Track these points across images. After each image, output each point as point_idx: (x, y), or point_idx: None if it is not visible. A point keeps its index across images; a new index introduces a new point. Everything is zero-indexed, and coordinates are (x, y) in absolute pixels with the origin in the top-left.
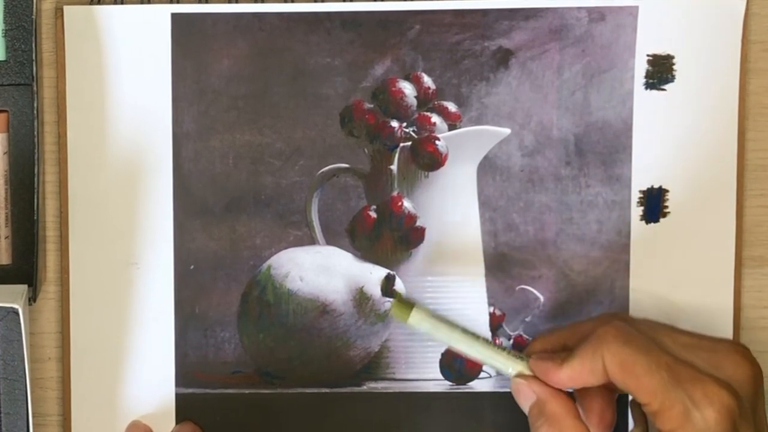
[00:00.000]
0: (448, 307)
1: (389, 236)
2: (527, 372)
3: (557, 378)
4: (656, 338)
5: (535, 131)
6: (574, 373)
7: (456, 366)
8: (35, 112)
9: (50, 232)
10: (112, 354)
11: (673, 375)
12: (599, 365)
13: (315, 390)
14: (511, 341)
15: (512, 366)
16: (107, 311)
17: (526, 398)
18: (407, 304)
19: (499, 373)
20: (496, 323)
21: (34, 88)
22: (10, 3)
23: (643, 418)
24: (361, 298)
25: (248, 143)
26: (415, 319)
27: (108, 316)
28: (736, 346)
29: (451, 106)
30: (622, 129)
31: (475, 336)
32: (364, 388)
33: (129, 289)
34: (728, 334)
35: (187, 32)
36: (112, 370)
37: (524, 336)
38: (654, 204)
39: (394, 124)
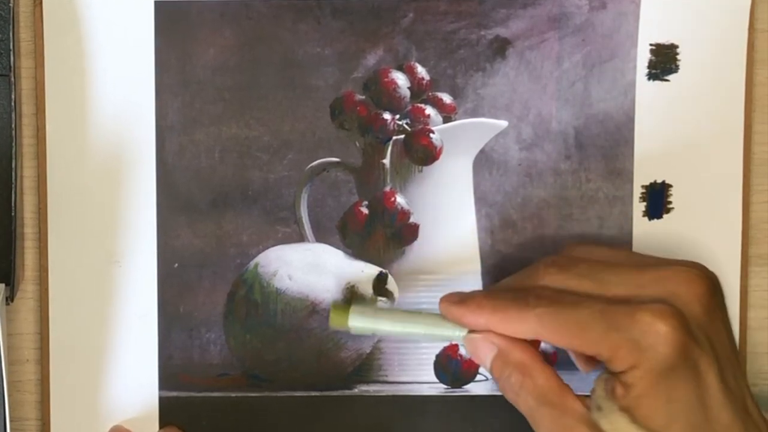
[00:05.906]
0: None
1: (382, 233)
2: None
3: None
4: (598, 278)
5: (533, 124)
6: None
7: (451, 368)
8: (13, 103)
9: (28, 229)
10: (93, 356)
11: (609, 318)
12: (534, 333)
13: (304, 393)
14: None
15: (460, 330)
16: (88, 311)
17: (486, 352)
18: (344, 307)
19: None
20: None
21: (12, 79)
22: None
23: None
24: (352, 297)
25: (235, 136)
26: (355, 317)
27: (89, 317)
28: (683, 266)
29: (446, 98)
30: (624, 121)
31: (418, 312)
32: (356, 391)
33: (111, 289)
34: (733, 334)
35: (171, 21)
36: (93, 373)
37: None
38: (657, 199)
39: (387, 116)
